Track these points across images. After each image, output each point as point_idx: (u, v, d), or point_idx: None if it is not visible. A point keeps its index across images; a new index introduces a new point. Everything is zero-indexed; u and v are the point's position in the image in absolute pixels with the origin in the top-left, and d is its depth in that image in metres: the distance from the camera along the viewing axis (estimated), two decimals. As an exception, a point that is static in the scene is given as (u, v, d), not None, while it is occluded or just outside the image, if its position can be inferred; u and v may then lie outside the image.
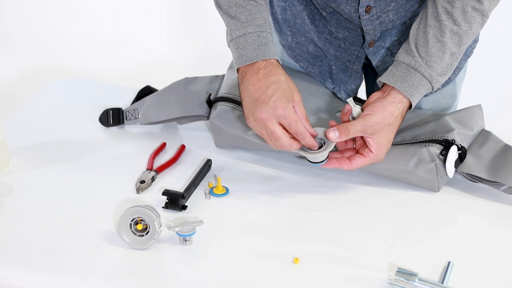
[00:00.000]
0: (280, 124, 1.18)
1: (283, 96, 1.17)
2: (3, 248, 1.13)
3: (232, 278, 1.08)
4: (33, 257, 1.10)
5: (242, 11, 1.24)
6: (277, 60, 1.23)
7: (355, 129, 1.20)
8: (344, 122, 1.24)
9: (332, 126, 1.22)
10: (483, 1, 1.21)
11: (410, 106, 1.24)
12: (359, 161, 1.23)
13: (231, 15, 1.25)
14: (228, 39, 1.26)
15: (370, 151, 1.22)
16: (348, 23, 1.37)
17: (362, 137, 1.24)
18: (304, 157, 1.25)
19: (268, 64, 1.21)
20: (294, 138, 1.19)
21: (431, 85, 1.24)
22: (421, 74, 1.23)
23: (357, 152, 1.25)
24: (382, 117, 1.21)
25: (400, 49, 1.26)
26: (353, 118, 1.23)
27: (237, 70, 1.25)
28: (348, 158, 1.24)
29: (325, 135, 1.21)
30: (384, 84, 1.25)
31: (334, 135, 1.20)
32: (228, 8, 1.25)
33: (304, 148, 1.22)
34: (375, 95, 1.25)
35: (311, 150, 1.22)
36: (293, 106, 1.18)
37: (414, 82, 1.23)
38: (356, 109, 1.24)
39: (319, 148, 1.22)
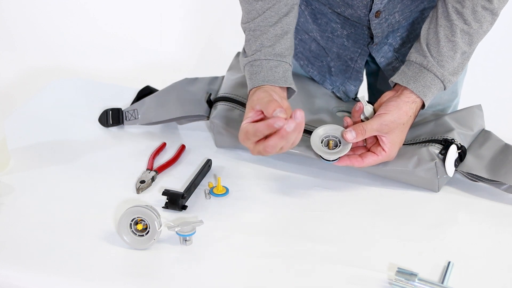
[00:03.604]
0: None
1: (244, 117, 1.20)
2: (3, 248, 1.13)
3: (231, 278, 1.08)
4: (33, 257, 1.10)
5: (246, 44, 1.28)
6: (272, 85, 1.23)
7: (371, 128, 1.20)
8: (356, 120, 1.24)
9: (348, 126, 1.22)
10: (492, 0, 1.21)
11: (423, 105, 1.25)
12: (371, 159, 1.23)
13: (244, 49, 1.30)
14: None
15: (383, 149, 1.23)
16: (354, 22, 1.37)
17: (374, 136, 1.24)
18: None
19: (251, 93, 1.23)
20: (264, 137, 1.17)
21: (443, 84, 1.24)
22: (433, 74, 1.23)
23: (369, 150, 1.25)
24: (398, 116, 1.21)
25: (412, 49, 1.27)
26: (365, 117, 1.24)
27: None
28: (360, 155, 1.24)
29: (342, 136, 1.21)
30: (396, 83, 1.25)
31: (351, 136, 1.20)
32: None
33: (320, 146, 1.22)
34: (388, 95, 1.25)
35: (328, 149, 1.22)
36: (255, 111, 1.18)
37: (426, 82, 1.23)
38: (368, 107, 1.24)
39: (336, 147, 1.22)
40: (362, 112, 1.24)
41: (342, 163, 1.24)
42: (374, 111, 1.25)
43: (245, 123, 1.18)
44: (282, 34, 1.27)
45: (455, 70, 1.25)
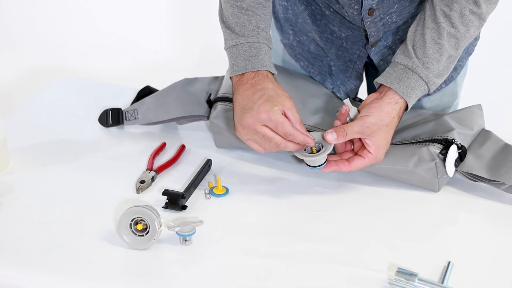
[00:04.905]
0: (269, 128, 1.19)
1: (268, 100, 1.19)
2: (3, 248, 1.13)
3: (231, 278, 1.08)
4: (33, 257, 1.10)
5: (237, 22, 1.27)
6: (269, 71, 1.25)
7: (352, 131, 1.20)
8: (342, 122, 1.24)
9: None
10: (481, 5, 1.22)
11: (407, 107, 1.25)
12: (358, 163, 1.23)
13: (227, 25, 1.28)
14: (224, 48, 1.29)
15: (369, 152, 1.23)
16: (351, 23, 1.37)
17: (360, 139, 1.24)
18: (303, 161, 1.26)
19: (257, 74, 1.24)
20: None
21: (428, 86, 1.24)
22: (418, 75, 1.23)
23: (356, 154, 1.25)
24: (379, 117, 1.21)
25: (398, 51, 1.27)
26: (351, 119, 1.24)
27: (231, 79, 1.27)
28: (347, 160, 1.24)
29: (323, 138, 1.21)
30: (380, 85, 1.26)
31: (332, 137, 1.20)
32: (226, 18, 1.29)
33: (303, 152, 1.23)
34: (372, 96, 1.25)
35: (311, 153, 1.22)
36: (284, 112, 1.19)
37: (410, 83, 1.23)
38: (353, 110, 1.24)
39: (317, 152, 1.22)
40: (348, 114, 1.24)
41: (329, 168, 1.24)
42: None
43: (280, 113, 1.18)
44: (270, 18, 1.30)
45: (440, 72, 1.25)
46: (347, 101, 1.24)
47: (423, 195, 1.29)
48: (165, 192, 1.23)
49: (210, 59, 2.50)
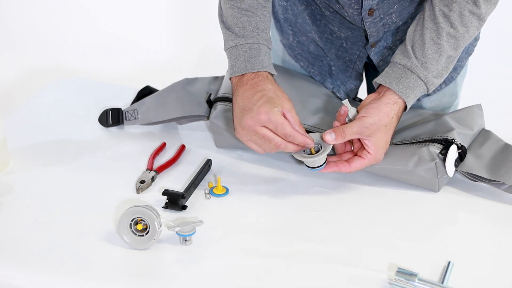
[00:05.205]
0: (268, 129, 1.18)
1: (267, 102, 1.19)
2: (3, 248, 1.13)
3: (231, 278, 1.08)
4: (33, 257, 1.10)
5: (237, 22, 1.27)
6: (269, 72, 1.25)
7: (351, 131, 1.20)
8: (341, 123, 1.24)
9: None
10: (480, 5, 1.22)
11: (406, 107, 1.25)
12: (357, 163, 1.23)
13: (227, 26, 1.28)
14: (224, 48, 1.29)
15: (368, 152, 1.23)
16: (350, 24, 1.37)
17: (359, 139, 1.24)
18: (303, 162, 1.26)
19: (257, 76, 1.24)
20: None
21: (427, 86, 1.24)
22: (417, 75, 1.23)
23: (355, 155, 1.25)
24: (378, 118, 1.21)
25: (397, 51, 1.27)
26: (350, 120, 1.24)
27: (230, 79, 1.27)
28: (347, 160, 1.24)
29: (322, 138, 1.21)
30: (379, 85, 1.26)
31: (331, 138, 1.20)
32: (226, 19, 1.29)
33: (302, 153, 1.23)
34: (371, 97, 1.25)
35: (310, 154, 1.22)
36: (283, 114, 1.19)
37: (409, 83, 1.23)
38: (352, 110, 1.24)
39: (316, 152, 1.22)
40: (347, 115, 1.24)
41: (329, 169, 1.24)
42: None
43: (280, 114, 1.18)
44: (269, 19, 1.29)
45: (439, 73, 1.25)
46: (346, 101, 1.24)
47: (423, 195, 1.29)
48: (165, 192, 1.23)
49: (210, 59, 2.50)
